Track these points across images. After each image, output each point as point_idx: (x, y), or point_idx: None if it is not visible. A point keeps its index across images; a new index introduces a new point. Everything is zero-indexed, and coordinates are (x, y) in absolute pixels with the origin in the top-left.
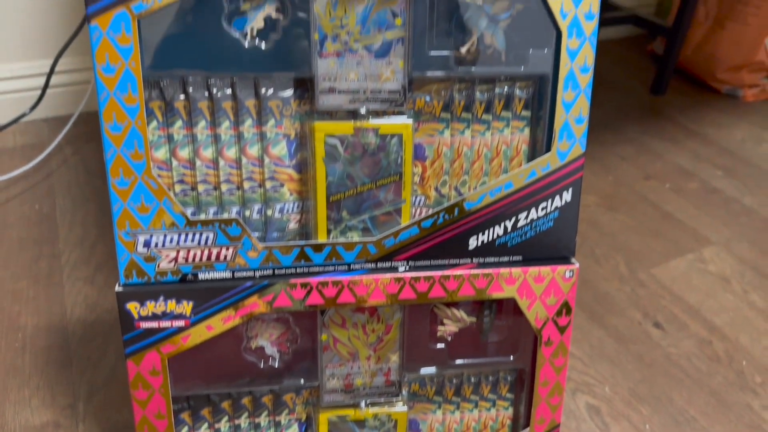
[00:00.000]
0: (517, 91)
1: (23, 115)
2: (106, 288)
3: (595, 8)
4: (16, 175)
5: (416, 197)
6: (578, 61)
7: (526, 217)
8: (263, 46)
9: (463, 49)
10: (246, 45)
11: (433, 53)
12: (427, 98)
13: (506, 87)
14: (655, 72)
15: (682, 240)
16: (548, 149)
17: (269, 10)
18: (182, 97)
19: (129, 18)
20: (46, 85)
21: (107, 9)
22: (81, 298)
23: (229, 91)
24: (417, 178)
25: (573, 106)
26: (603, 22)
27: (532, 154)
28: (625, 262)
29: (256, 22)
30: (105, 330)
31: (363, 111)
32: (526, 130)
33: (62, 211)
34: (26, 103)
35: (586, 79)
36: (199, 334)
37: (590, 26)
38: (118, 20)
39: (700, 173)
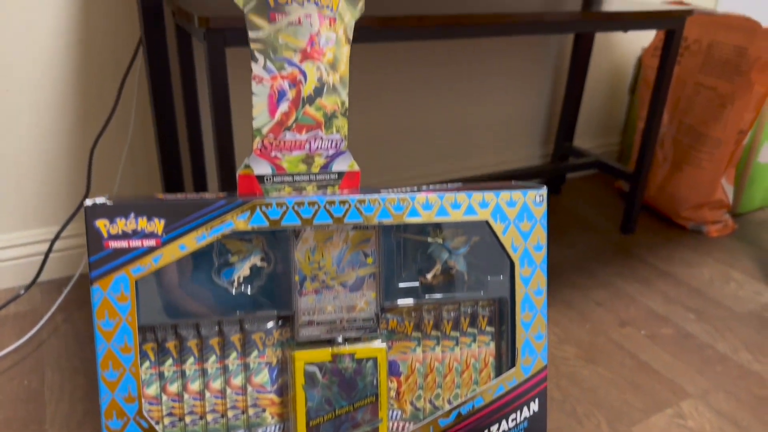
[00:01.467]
0: (480, 310)
1: (17, 296)
2: None
3: (543, 240)
4: (7, 352)
5: (393, 411)
6: (532, 286)
7: (498, 430)
8: (249, 290)
9: (429, 276)
10: (233, 292)
11: (402, 285)
12: (399, 319)
13: (470, 307)
14: (623, 211)
15: (661, 393)
16: (513, 364)
17: (254, 260)
18: (173, 338)
19: (128, 280)
20: (45, 259)
21: (109, 273)
22: None
23: (216, 329)
24: (393, 393)
25: (531, 325)
26: (570, 168)
27: (500, 365)
28: (606, 420)
29: (243, 271)
30: None
31: (340, 339)
32: (492, 344)
33: (50, 386)
34: (21, 271)
35: (540, 301)
36: (171, 253)
37: (540, 255)
38: (117, 282)
39: (673, 317)
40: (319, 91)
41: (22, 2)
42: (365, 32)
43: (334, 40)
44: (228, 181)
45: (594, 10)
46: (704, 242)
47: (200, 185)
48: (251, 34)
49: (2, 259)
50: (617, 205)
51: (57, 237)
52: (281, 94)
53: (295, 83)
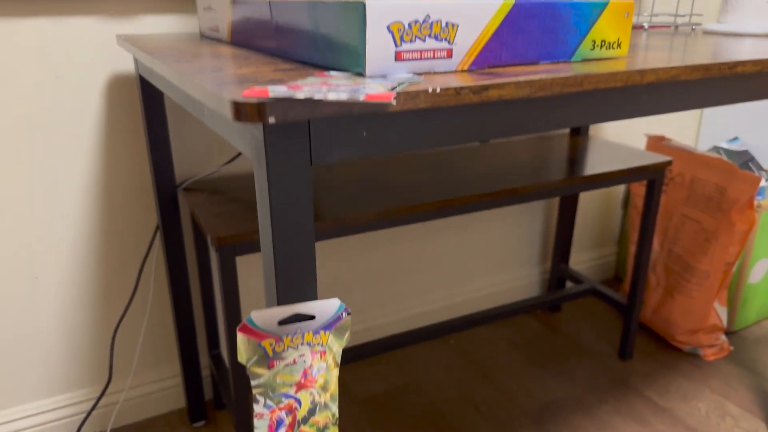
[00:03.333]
0: None
1: None
2: None
3: None
4: None
5: None
6: None
7: None
8: None
9: None
10: None
11: None
12: None
13: None
14: (621, 334)
15: None
16: None
17: None
18: None
19: None
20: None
21: None
22: None
23: None
24: None
25: None
26: (566, 297)
27: None
28: None
29: None
30: None
31: None
32: None
33: None
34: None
35: None
36: None
37: None
38: None
39: None
40: (312, 411)
41: (45, 194)
42: (362, 226)
43: (324, 368)
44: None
45: (577, 175)
46: (700, 368)
47: (217, 360)
48: (253, 383)
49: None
50: (616, 323)
51: (87, 416)
52: (279, 423)
53: (291, 411)
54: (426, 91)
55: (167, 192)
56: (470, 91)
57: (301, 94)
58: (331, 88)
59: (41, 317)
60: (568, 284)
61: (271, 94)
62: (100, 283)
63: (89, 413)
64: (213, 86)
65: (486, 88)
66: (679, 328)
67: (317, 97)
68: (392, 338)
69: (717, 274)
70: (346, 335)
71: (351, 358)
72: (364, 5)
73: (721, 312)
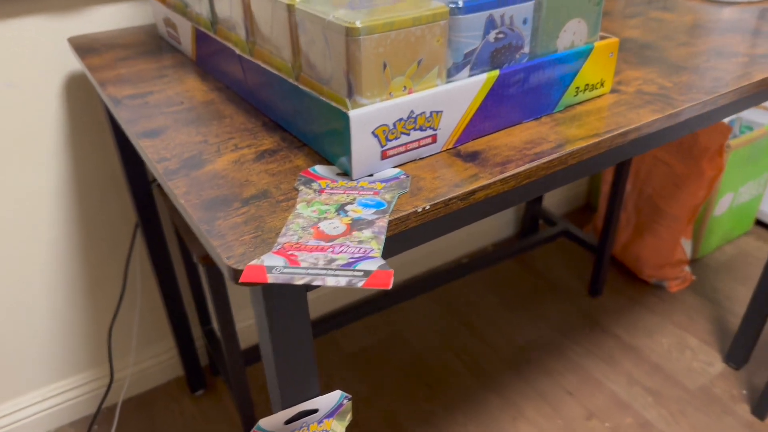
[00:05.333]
0: None
1: None
2: None
3: None
4: None
5: None
6: None
7: None
8: None
9: None
10: None
11: None
12: None
13: None
14: (591, 272)
15: None
16: None
17: None
18: None
19: None
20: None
21: None
22: None
23: None
24: None
25: None
26: (539, 242)
27: None
28: None
29: None
30: None
31: None
32: None
33: None
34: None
35: None
36: None
37: None
38: None
39: (633, 403)
40: None
41: (23, 202)
42: None
43: None
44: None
45: None
46: (665, 300)
47: (210, 335)
48: None
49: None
50: (587, 259)
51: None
52: None
53: None
54: (415, 212)
55: (141, 188)
56: (458, 200)
57: (300, 279)
58: (329, 269)
59: (38, 316)
60: (542, 225)
61: (270, 279)
62: (90, 279)
63: (104, 397)
64: (202, 221)
65: (473, 192)
66: (647, 264)
67: (316, 283)
68: (378, 299)
69: (684, 216)
70: (348, 416)
71: (340, 322)
72: (347, 117)
73: (686, 246)
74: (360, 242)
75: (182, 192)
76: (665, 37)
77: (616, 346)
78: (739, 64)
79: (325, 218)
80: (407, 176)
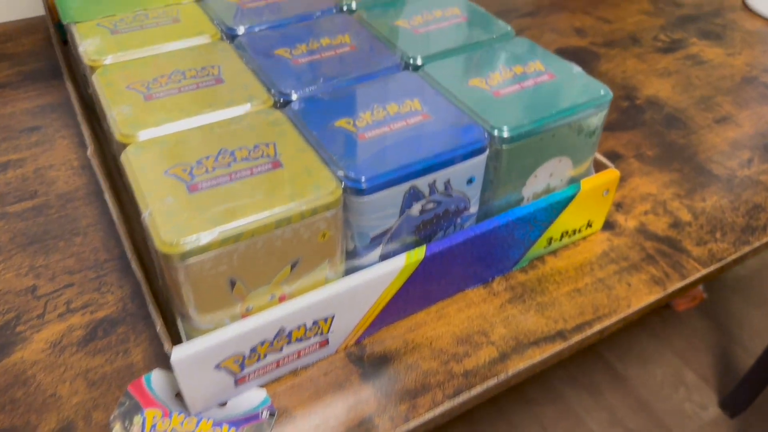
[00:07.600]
0: None
1: None
2: None
3: None
4: None
5: None
6: None
7: None
8: None
9: None
10: None
11: None
12: None
13: None
14: None
15: None
16: None
17: None
18: None
19: None
20: None
21: None
22: None
23: None
24: None
25: None
26: None
27: None
28: None
29: None
30: None
31: None
32: None
33: None
34: None
35: None
36: None
37: None
38: None
39: None
40: None
41: None
42: None
43: None
44: None
45: None
46: (668, 321)
47: None
48: None
49: None
50: None
51: None
52: None
53: None
54: None
55: None
56: None
57: None
58: None
59: None
60: None
61: None
62: None
63: None
64: None
65: None
66: None
67: None
68: None
69: None
70: None
71: None
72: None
73: None
74: None
75: None
76: (702, 100)
77: (604, 374)
78: None
79: None
80: (272, 412)
